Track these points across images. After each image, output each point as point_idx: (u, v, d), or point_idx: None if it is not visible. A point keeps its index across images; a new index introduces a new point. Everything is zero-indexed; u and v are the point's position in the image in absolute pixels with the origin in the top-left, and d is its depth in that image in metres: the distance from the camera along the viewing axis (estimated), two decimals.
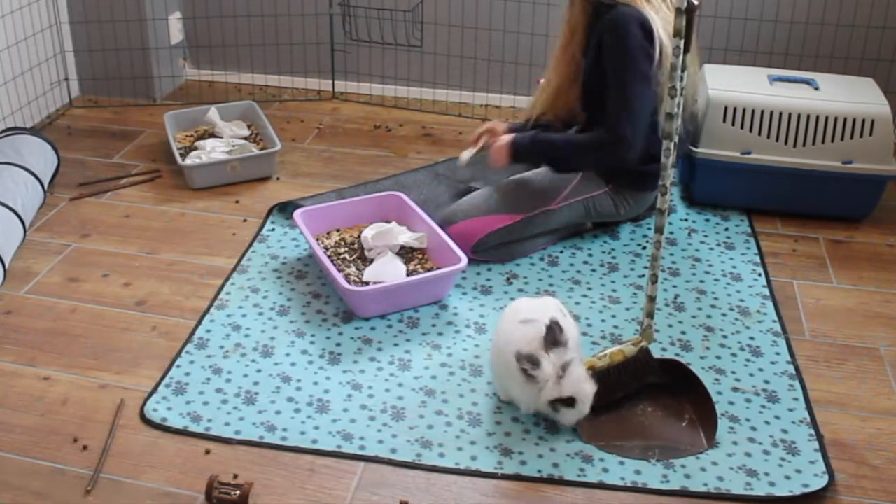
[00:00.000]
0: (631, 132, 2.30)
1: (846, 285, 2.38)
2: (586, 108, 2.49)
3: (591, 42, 2.39)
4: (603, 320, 2.21)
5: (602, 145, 2.36)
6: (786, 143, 2.57)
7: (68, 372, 2.02)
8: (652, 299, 1.91)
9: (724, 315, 2.23)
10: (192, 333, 2.14)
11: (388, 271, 2.27)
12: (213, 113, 3.07)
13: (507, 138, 2.45)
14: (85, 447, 1.81)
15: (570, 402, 1.78)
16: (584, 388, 1.78)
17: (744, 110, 2.57)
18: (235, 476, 1.74)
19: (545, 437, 1.85)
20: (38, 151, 2.71)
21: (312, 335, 2.14)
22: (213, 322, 2.18)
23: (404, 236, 2.39)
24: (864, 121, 2.52)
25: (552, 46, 2.60)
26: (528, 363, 1.76)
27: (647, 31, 2.26)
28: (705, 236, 2.57)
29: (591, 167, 2.47)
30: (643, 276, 2.37)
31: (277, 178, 2.86)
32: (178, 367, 2.03)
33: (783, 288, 2.35)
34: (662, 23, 2.27)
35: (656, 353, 2.07)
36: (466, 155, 2.54)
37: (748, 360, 2.08)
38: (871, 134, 2.53)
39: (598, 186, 2.48)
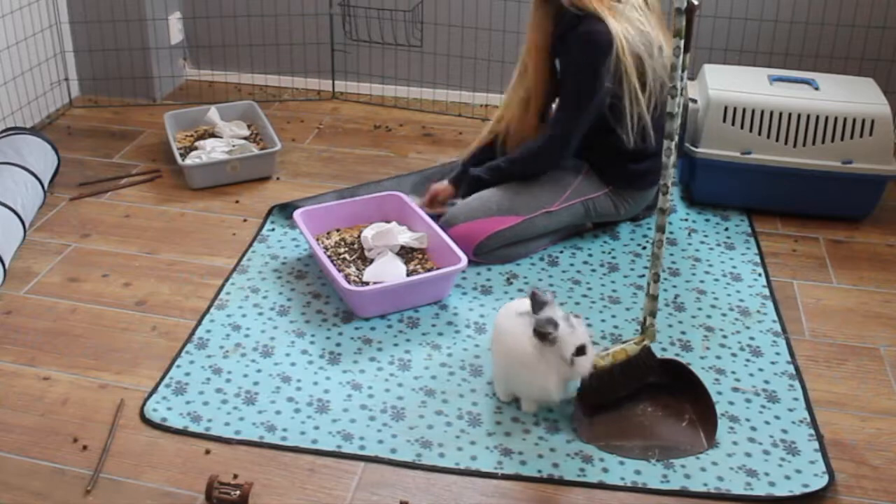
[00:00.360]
0: (568, 135, 2.36)
1: (846, 285, 2.38)
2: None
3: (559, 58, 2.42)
4: (603, 320, 2.21)
5: (541, 151, 2.42)
6: (786, 143, 2.57)
7: (68, 372, 2.02)
8: (654, 298, 1.91)
9: (724, 315, 2.23)
10: (192, 333, 2.14)
11: (388, 271, 2.27)
12: (213, 113, 3.07)
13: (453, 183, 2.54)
14: (85, 447, 1.81)
15: (582, 350, 1.78)
16: (587, 336, 1.81)
17: (744, 110, 2.57)
18: (235, 476, 1.74)
19: (545, 437, 1.85)
20: (38, 151, 2.71)
21: (312, 335, 2.14)
22: (213, 322, 2.18)
23: (404, 236, 2.39)
24: (864, 121, 2.52)
25: None
26: (549, 325, 1.75)
27: (610, 44, 2.26)
28: (705, 236, 2.57)
29: (538, 174, 2.47)
30: (643, 276, 2.37)
31: (277, 178, 2.86)
32: (178, 367, 2.03)
33: (783, 288, 2.35)
34: (633, 31, 2.28)
35: (656, 353, 2.08)
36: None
37: (748, 360, 2.08)
38: (871, 134, 2.53)
39: (599, 188, 2.49)
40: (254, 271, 2.38)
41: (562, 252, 2.49)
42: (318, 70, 3.49)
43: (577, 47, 2.31)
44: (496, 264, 2.41)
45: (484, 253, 2.39)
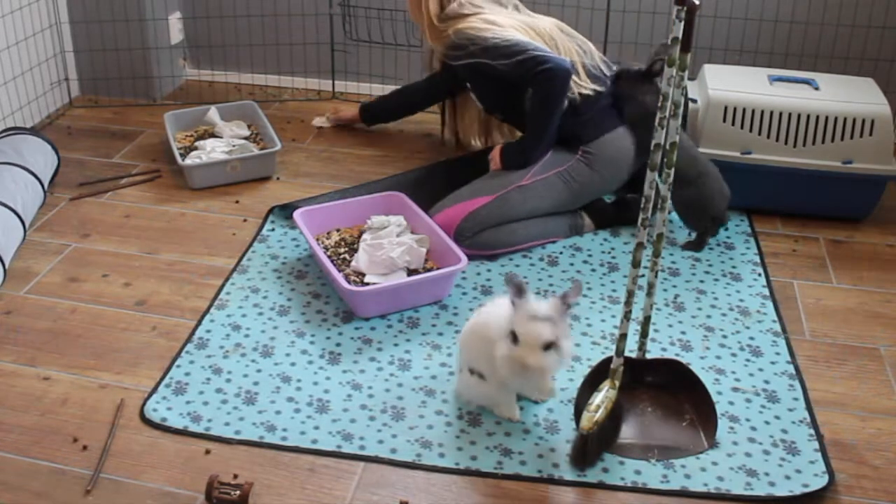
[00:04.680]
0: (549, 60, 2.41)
1: (846, 285, 2.38)
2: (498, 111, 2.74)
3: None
4: (603, 320, 2.21)
5: (543, 91, 2.45)
6: (786, 143, 2.57)
7: (68, 372, 2.02)
8: (623, 337, 1.81)
9: (724, 315, 2.24)
10: (192, 333, 2.14)
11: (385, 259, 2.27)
12: (213, 113, 3.07)
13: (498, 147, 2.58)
14: (85, 447, 1.81)
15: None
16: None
17: (744, 110, 2.57)
18: (235, 476, 1.74)
19: (545, 437, 1.85)
20: (38, 151, 2.71)
21: (312, 335, 2.14)
22: (213, 322, 2.18)
23: (401, 249, 2.34)
24: (864, 121, 2.52)
25: None
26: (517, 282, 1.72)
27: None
28: None
29: (556, 109, 2.47)
30: (643, 275, 2.37)
31: (277, 178, 2.86)
32: (178, 367, 2.03)
33: (783, 288, 2.35)
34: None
35: (656, 353, 2.08)
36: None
37: (748, 360, 2.08)
38: (871, 134, 2.53)
39: (567, 158, 2.50)
40: (254, 271, 2.38)
41: (562, 252, 2.49)
42: (318, 70, 3.49)
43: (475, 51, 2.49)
44: (488, 255, 2.42)
45: (466, 238, 2.39)
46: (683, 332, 2.17)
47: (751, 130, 2.58)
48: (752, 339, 2.15)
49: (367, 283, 2.25)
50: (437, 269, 2.30)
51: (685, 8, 1.55)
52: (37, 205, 2.61)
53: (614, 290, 2.33)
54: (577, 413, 1.87)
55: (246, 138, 3.00)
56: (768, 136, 2.57)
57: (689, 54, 1.60)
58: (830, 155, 2.56)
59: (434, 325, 2.19)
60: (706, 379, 1.96)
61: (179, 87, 3.56)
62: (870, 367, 2.08)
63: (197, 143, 2.94)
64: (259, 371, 2.03)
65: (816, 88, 2.63)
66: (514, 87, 2.51)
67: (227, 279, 2.35)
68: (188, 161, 2.79)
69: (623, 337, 1.82)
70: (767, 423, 1.90)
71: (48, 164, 2.74)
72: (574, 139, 2.50)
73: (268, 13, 3.43)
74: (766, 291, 2.33)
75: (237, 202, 2.72)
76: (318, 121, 3.22)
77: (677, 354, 2.08)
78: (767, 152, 2.58)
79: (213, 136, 3.02)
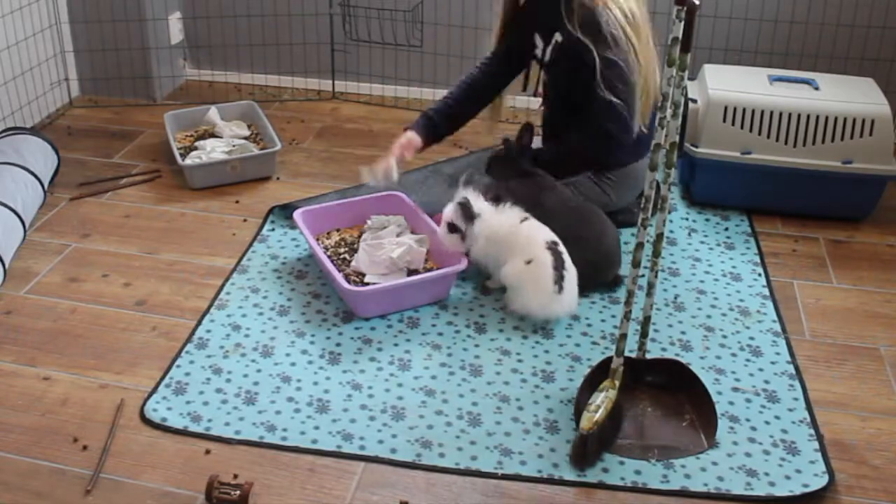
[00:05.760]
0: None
1: (846, 285, 2.38)
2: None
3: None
4: (603, 320, 2.21)
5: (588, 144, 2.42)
6: (786, 143, 2.57)
7: (68, 372, 2.02)
8: (624, 337, 1.81)
9: (724, 315, 2.23)
10: (192, 333, 2.14)
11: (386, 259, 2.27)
12: (213, 113, 3.07)
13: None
14: (85, 447, 1.81)
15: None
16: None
17: (744, 110, 2.57)
18: (235, 476, 1.74)
19: (545, 437, 1.85)
20: (38, 151, 2.71)
21: (312, 335, 2.14)
22: (213, 322, 2.18)
23: (401, 249, 2.34)
24: (864, 121, 2.52)
25: None
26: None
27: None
28: (705, 236, 2.57)
29: (583, 169, 2.48)
30: (643, 275, 2.37)
31: (277, 178, 2.86)
32: (178, 367, 2.03)
33: (783, 288, 2.35)
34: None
35: (656, 353, 2.08)
36: (388, 173, 2.46)
37: (748, 360, 2.08)
38: (871, 134, 2.53)
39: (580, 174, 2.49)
40: (254, 271, 2.38)
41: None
42: (318, 70, 3.49)
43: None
44: None
45: None
46: (683, 332, 2.17)
47: (751, 130, 2.58)
48: (752, 339, 2.15)
49: (367, 283, 2.25)
50: (437, 269, 2.30)
51: (685, 8, 1.55)
52: (37, 205, 2.61)
53: (614, 290, 2.32)
54: (577, 413, 1.87)
55: (246, 138, 3.00)
56: (768, 136, 2.57)
57: (689, 54, 1.60)
58: (830, 155, 2.56)
59: (434, 325, 2.19)
60: (706, 379, 1.96)
61: (179, 87, 3.56)
62: (870, 367, 2.08)
63: (197, 143, 2.94)
64: (259, 371, 2.03)
65: (816, 88, 2.63)
66: (584, 84, 2.36)
67: (227, 279, 2.35)
68: (188, 161, 2.79)
69: (623, 337, 1.82)
70: (767, 423, 1.90)
71: (48, 164, 2.74)
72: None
73: (268, 13, 3.43)
74: (766, 291, 2.33)
75: (237, 202, 2.72)
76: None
77: (677, 354, 2.08)
78: (767, 152, 2.58)
79: (213, 136, 3.02)
